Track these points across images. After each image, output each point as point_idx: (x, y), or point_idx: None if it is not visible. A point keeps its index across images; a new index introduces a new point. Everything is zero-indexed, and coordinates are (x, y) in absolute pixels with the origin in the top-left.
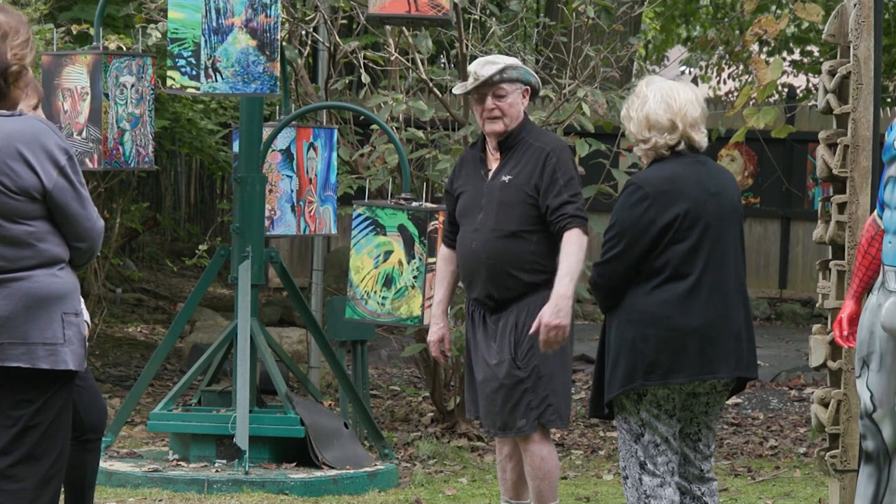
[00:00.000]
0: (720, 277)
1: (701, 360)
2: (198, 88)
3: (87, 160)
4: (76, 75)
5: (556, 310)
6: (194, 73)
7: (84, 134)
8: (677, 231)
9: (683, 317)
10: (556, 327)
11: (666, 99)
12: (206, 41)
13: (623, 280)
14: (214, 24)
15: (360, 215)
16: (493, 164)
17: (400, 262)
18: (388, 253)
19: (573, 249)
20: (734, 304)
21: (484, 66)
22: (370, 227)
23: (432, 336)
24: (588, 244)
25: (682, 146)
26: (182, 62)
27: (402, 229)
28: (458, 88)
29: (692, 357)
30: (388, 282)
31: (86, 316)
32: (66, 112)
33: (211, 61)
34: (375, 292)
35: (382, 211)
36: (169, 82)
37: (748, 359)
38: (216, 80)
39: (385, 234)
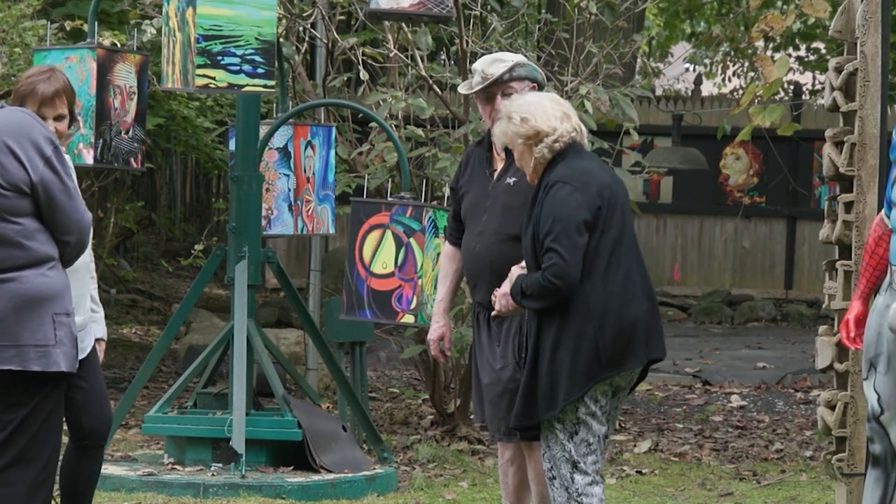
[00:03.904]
0: (641, 263)
1: (644, 346)
2: (271, 87)
3: (132, 160)
4: (126, 74)
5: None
6: (259, 71)
7: (130, 133)
8: (605, 220)
9: (630, 306)
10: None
11: (549, 97)
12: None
13: (579, 274)
14: None
15: (429, 217)
16: (499, 165)
17: None
18: (439, 255)
19: None
20: (653, 288)
21: (492, 65)
22: (433, 230)
23: (432, 335)
24: None
25: (577, 137)
26: (233, 60)
27: None
28: (464, 87)
29: (640, 343)
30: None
31: (80, 318)
32: (115, 109)
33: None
34: (430, 295)
35: (437, 212)
36: (201, 81)
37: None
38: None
39: (437, 236)
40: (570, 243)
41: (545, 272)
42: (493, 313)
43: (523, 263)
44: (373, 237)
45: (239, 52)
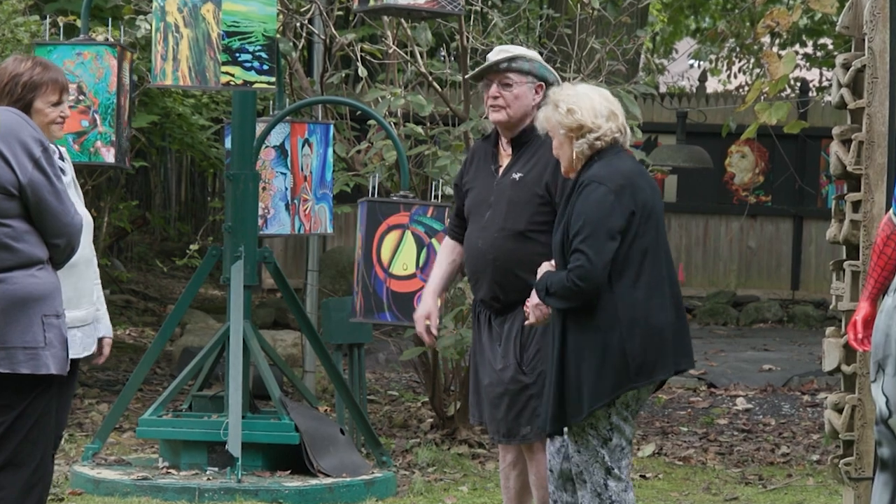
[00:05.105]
0: (673, 271)
1: (674, 355)
2: (273, 84)
3: (126, 159)
4: (126, 72)
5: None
6: (264, 67)
7: (126, 132)
8: (639, 225)
9: (661, 314)
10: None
11: (600, 93)
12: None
13: (604, 278)
14: None
15: None
16: (505, 161)
17: None
18: None
19: None
20: (682, 301)
21: (496, 53)
22: None
23: (419, 312)
24: None
25: (620, 138)
26: (247, 56)
27: None
28: (470, 75)
29: (669, 353)
30: None
31: (83, 312)
32: (121, 107)
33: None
34: None
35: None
36: (225, 78)
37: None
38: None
39: None
40: (598, 246)
41: (570, 273)
42: (527, 323)
43: (552, 262)
44: (391, 238)
45: (251, 49)
